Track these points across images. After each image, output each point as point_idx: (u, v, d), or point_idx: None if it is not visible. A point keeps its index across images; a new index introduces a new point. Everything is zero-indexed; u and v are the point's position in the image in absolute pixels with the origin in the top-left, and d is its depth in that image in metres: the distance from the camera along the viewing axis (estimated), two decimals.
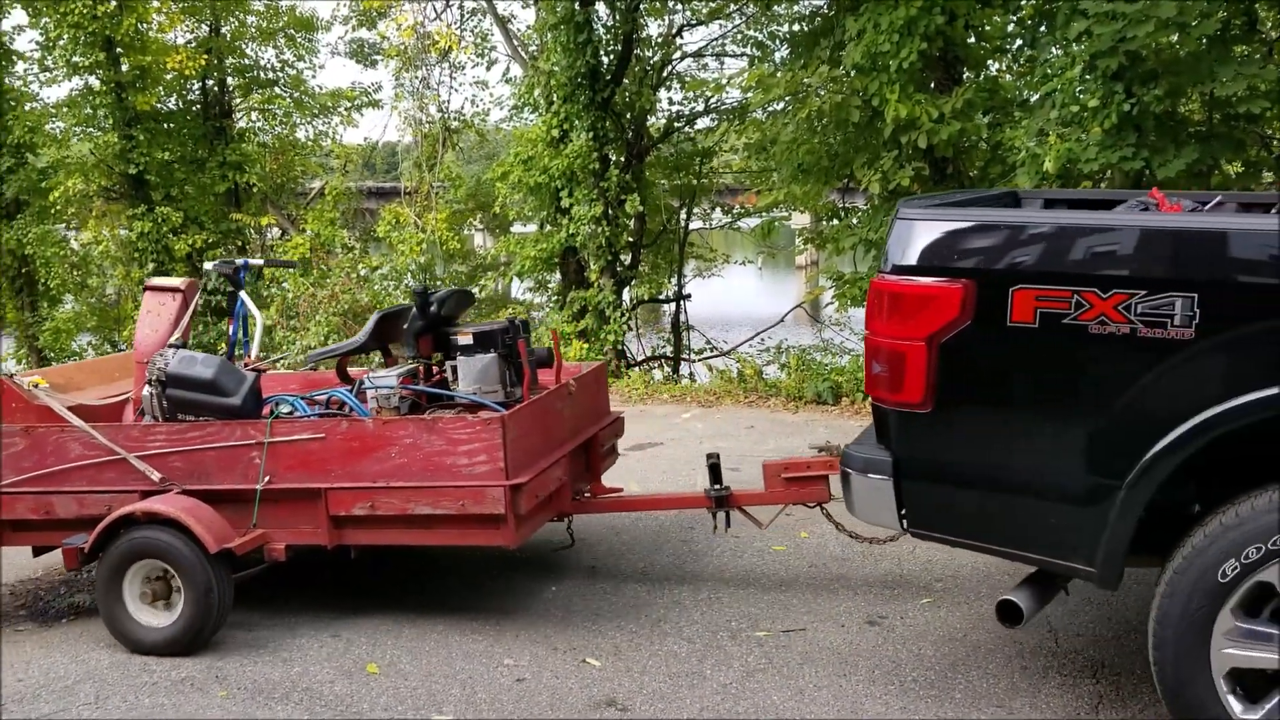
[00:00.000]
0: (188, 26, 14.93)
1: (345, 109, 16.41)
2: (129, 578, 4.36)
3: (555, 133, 11.66)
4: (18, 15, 15.19)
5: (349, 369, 5.22)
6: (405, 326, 4.91)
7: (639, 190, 12.09)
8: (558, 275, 13.19)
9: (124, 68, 13.71)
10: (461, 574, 5.13)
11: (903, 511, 3.40)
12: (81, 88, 14.49)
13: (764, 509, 4.75)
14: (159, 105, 14.44)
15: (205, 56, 14.26)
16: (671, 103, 13.70)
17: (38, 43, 14.40)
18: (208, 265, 5.70)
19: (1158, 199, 3.79)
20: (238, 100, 16.06)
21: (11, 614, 4.89)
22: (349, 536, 4.38)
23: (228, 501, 4.39)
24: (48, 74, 14.80)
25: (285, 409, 4.68)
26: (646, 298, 13.56)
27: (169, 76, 14.27)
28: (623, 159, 12.44)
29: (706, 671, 3.95)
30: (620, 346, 12.18)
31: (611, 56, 12.12)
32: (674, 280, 14.35)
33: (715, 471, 4.72)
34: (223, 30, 15.28)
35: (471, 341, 4.71)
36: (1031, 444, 3.17)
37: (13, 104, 14.34)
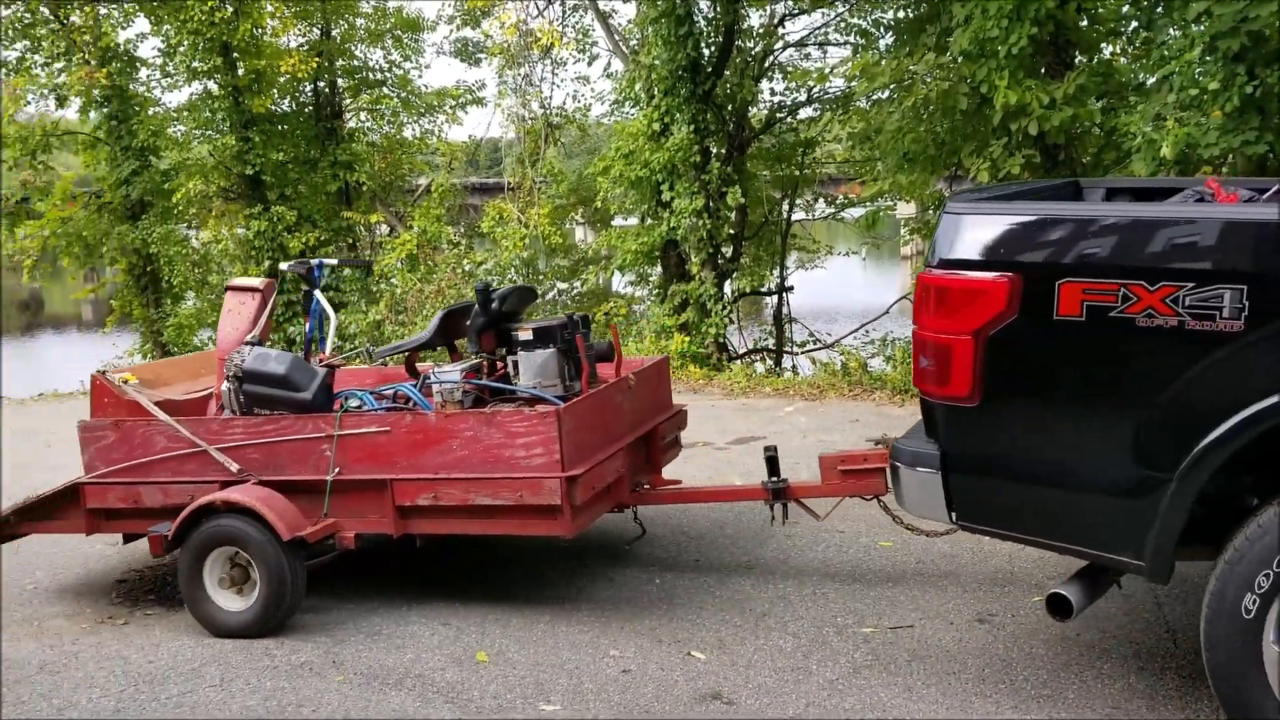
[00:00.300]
0: (300, 30, 15.39)
1: (450, 107, 16.72)
2: (209, 564, 4.55)
3: (656, 126, 11.69)
4: (141, 23, 15.86)
5: (417, 364, 5.34)
6: (468, 323, 5.03)
7: (740, 182, 12.05)
8: (659, 269, 13.23)
9: (240, 72, 14.19)
10: (565, 565, 5.19)
11: (951, 505, 3.42)
12: (201, 92, 15.08)
13: (821, 502, 4.75)
14: (273, 108, 14.92)
15: (316, 59, 14.68)
16: (773, 93, 13.61)
17: (160, 49, 15.01)
18: (283, 266, 5.91)
19: (1213, 188, 3.73)
20: (347, 101, 16.50)
21: (141, 598, 5.12)
22: (414, 526, 4.51)
23: (301, 492, 4.56)
24: (169, 80, 15.42)
25: (354, 403, 4.83)
26: (748, 290, 13.51)
27: (282, 79, 14.73)
28: (724, 151, 12.41)
29: (812, 667, 3.93)
30: (721, 339, 12.16)
31: (712, 49, 12.10)
32: (776, 272, 14.26)
33: (773, 464, 4.75)
34: (333, 33, 15.70)
35: (531, 337, 4.79)
36: (1079, 437, 3.16)
37: (137, 109, 14.97)
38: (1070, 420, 3.19)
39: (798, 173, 13.96)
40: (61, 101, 15.06)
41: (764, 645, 4.14)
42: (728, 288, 12.64)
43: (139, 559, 5.62)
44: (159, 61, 15.20)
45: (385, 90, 16.63)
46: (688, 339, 11.50)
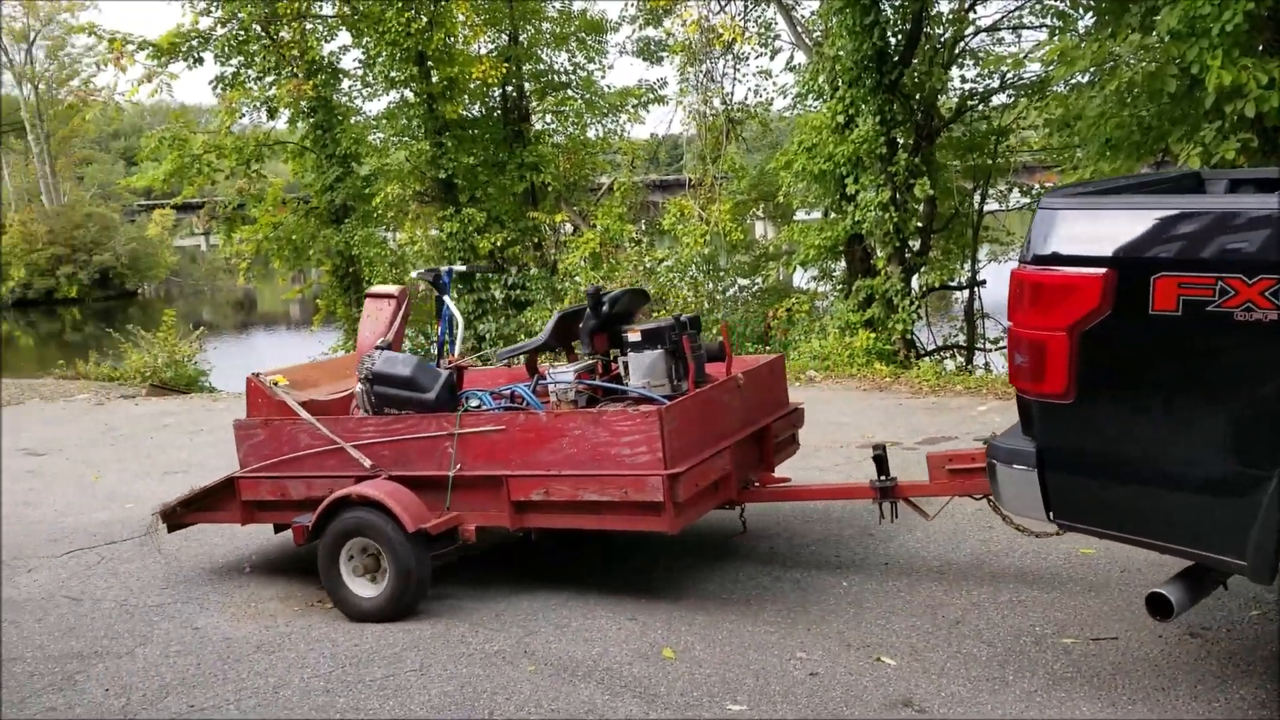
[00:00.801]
0: (489, 37, 15.88)
1: (632, 106, 16.92)
2: (345, 553, 4.84)
3: (840, 118, 11.49)
4: (343, 37, 16.70)
5: (538, 365, 5.47)
6: (581, 325, 5.17)
7: (929, 173, 11.70)
8: (842, 263, 12.99)
9: (434, 79, 14.76)
10: (751, 566, 5.16)
11: (1048, 503, 3.40)
12: (398, 101, 15.77)
13: (930, 501, 4.73)
14: (464, 113, 15.46)
15: (505, 64, 15.12)
16: (964, 80, 13.16)
17: (360, 61, 15.79)
18: (412, 274, 6.06)
19: None
20: (534, 104, 16.92)
21: None
22: (528, 520, 4.69)
23: (428, 487, 4.77)
24: (369, 89, 16.21)
25: (474, 403, 5.02)
26: (937, 285, 13.11)
27: (473, 85, 15.23)
28: (911, 141, 12.08)
29: (1009, 677, 3.78)
30: (909, 336, 11.86)
31: (899, 37, 11.79)
32: (967, 266, 13.78)
33: (881, 463, 4.75)
34: (520, 38, 16.13)
35: (640, 339, 4.87)
36: (1177, 434, 3.12)
37: (340, 118, 15.79)
38: (1168, 417, 3.14)
39: (990, 162, 13.45)
40: (272, 113, 16.05)
41: (957, 653, 4.01)
42: (915, 282, 12.30)
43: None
44: (359, 72, 16.00)
45: (570, 92, 16.97)
46: (873, 335, 11.26)
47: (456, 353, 5.87)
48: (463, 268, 6.62)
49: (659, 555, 5.39)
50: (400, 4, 14.05)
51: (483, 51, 15.59)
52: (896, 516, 4.81)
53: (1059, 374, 3.24)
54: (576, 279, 13.41)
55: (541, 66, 16.65)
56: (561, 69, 16.82)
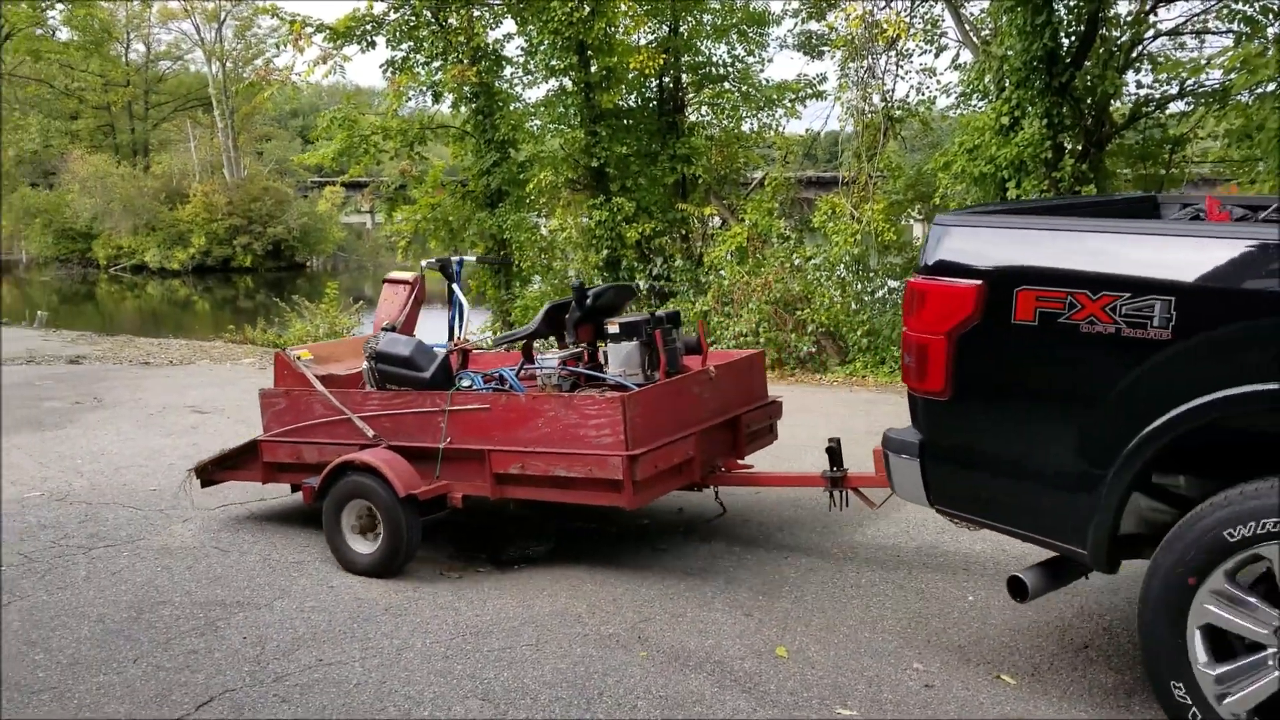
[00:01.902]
0: (649, 28, 15.95)
1: (789, 101, 16.73)
2: (345, 513, 5.28)
3: (1005, 120, 11.11)
4: (507, 25, 17.06)
5: (533, 351, 5.81)
6: (567, 316, 5.57)
7: (1096, 181, 11.21)
8: None
9: (592, 69, 14.93)
10: (878, 571, 5.07)
11: (928, 490, 3.75)
12: (556, 89, 16.00)
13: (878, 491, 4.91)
14: (620, 103, 15.57)
15: (664, 55, 15.16)
16: (1139, 86, 12.52)
17: (522, 49, 16.09)
18: (423, 263, 6.53)
19: (1209, 206, 3.90)
20: (690, 95, 16.92)
21: (475, 556, 5.54)
22: (507, 491, 5.09)
23: (422, 458, 5.21)
24: (529, 77, 16.47)
25: (465, 383, 5.43)
26: None
27: (631, 76, 15.33)
28: (1079, 147, 11.59)
29: (1134, 707, 3.61)
30: None
31: (1072, 38, 11.32)
32: None
33: (833, 455, 5.08)
34: (681, 29, 16.15)
35: (618, 331, 5.27)
36: (1033, 432, 3.44)
37: (500, 105, 16.14)
38: (1026, 416, 3.49)
39: (1164, 172, 12.78)
40: (437, 97, 16.50)
41: (1082, 678, 3.85)
42: None
43: (472, 520, 6.08)
44: (521, 60, 16.29)
45: (727, 85, 16.90)
46: None
47: (460, 336, 6.27)
48: (473, 258, 7.04)
49: (782, 556, 5.36)
50: None
51: (642, 42, 15.67)
52: (847, 505, 5.16)
53: (938, 374, 3.61)
54: (721, 272, 13.38)
55: (700, 58, 16.62)
56: (720, 61, 16.75)
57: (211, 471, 6.13)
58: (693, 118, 16.90)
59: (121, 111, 51.49)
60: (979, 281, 3.50)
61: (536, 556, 5.47)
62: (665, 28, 16.10)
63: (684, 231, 16.01)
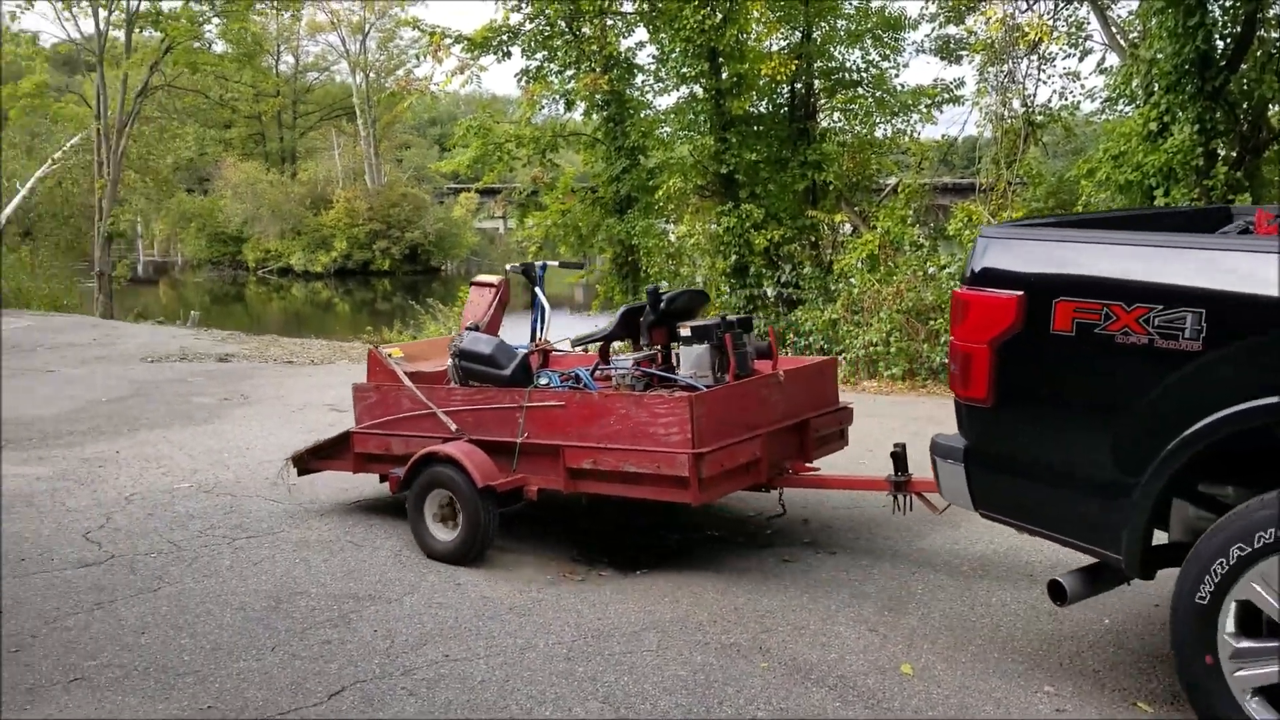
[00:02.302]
0: (781, 34, 15.87)
1: (925, 106, 16.41)
2: (428, 502, 5.52)
3: (1153, 126, 10.67)
4: (639, 33, 17.21)
5: (610, 353, 6.12)
6: (641, 319, 5.81)
7: (1252, 189, 10.66)
8: None
9: (723, 76, 14.93)
10: (1010, 590, 4.92)
11: (973, 495, 3.86)
12: (687, 96, 16.07)
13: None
14: (751, 109, 15.52)
15: (796, 61, 15.06)
16: None
17: (654, 57, 16.21)
18: (507, 267, 6.81)
19: (1258, 219, 3.92)
20: (822, 101, 16.76)
21: (597, 558, 5.58)
22: (580, 486, 5.26)
23: (501, 452, 5.41)
24: (660, 84, 16.58)
25: (543, 381, 5.66)
26: None
27: (762, 82, 15.27)
28: (1233, 154, 11.05)
29: None
30: None
31: (1228, 40, 10.80)
32: None
33: (898, 460, 5.15)
34: (813, 35, 16.02)
35: (690, 334, 5.43)
36: (1071, 439, 3.52)
37: (631, 112, 16.28)
38: (1064, 424, 3.58)
39: None
40: (569, 105, 16.78)
41: None
42: None
43: (603, 519, 6.13)
44: (652, 68, 16.42)
45: (860, 90, 16.68)
46: None
47: (542, 337, 6.56)
48: (555, 263, 7.26)
49: (909, 571, 5.24)
50: (697, 1, 14.30)
51: (774, 48, 15.59)
52: (911, 509, 5.21)
53: (981, 381, 3.71)
54: (851, 280, 13.19)
55: (833, 64, 16.46)
56: (853, 66, 16.56)
57: (307, 460, 6.44)
58: (824, 123, 16.74)
59: (271, 121, 53.86)
60: (1020, 292, 3.60)
61: (669, 553, 5.48)
62: (798, 34, 15.99)
63: (813, 239, 15.85)
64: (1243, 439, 3.12)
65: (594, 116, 16.89)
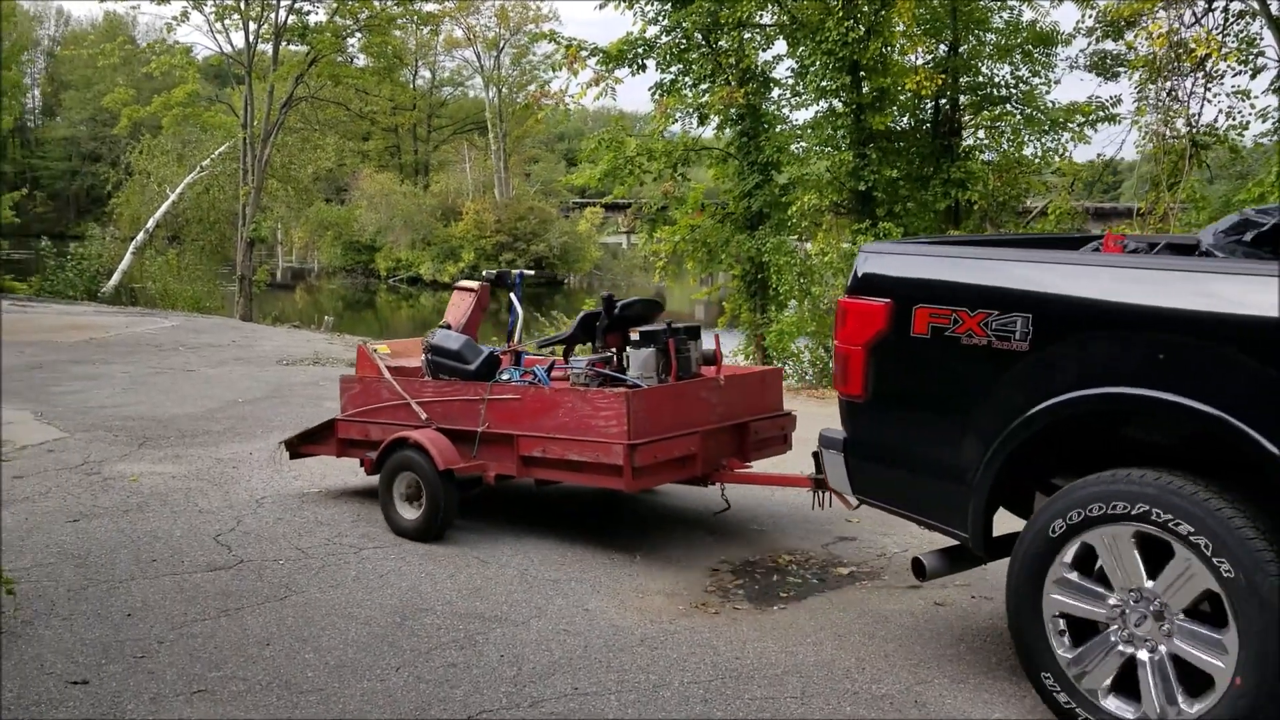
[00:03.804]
0: (927, 48, 15.34)
1: (1078, 124, 15.63)
2: (396, 482, 6.02)
3: None
4: (778, 46, 16.90)
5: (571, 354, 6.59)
6: (598, 324, 6.25)
7: None
8: None
9: (864, 90, 14.49)
10: None
11: (852, 482, 4.33)
12: (826, 110, 15.65)
13: None
14: (892, 125, 15.04)
15: (941, 76, 14.52)
16: None
17: (792, 70, 15.85)
18: (483, 273, 7.37)
19: (1105, 241, 4.32)
20: (967, 117, 16.15)
21: (731, 590, 5.27)
22: (531, 472, 5.80)
23: (465, 440, 5.93)
24: (797, 99, 16.21)
25: (504, 377, 6.15)
26: None
27: (904, 97, 14.79)
28: None
29: None
30: None
31: None
32: None
33: (818, 460, 5.15)
34: (961, 49, 15.44)
35: (638, 338, 5.87)
36: (927, 431, 3.98)
37: (766, 127, 15.95)
38: (922, 417, 4.05)
39: None
40: (703, 119, 16.53)
41: None
42: None
43: (732, 548, 5.82)
44: (790, 81, 16.06)
45: (1009, 107, 16.00)
46: None
47: (515, 339, 7.05)
48: (531, 272, 8.09)
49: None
50: (840, 13, 13.91)
51: (918, 62, 15.07)
52: (831, 505, 5.48)
53: (857, 380, 4.16)
54: None
55: (980, 79, 15.82)
56: (1002, 82, 15.89)
57: (297, 445, 6.95)
58: (969, 141, 16.13)
59: (407, 134, 55.28)
60: (888, 300, 4.06)
61: (799, 595, 5.13)
62: (944, 48, 15.45)
63: None
64: (1069, 428, 3.63)
65: (727, 131, 16.60)
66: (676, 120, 16.97)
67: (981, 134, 16.43)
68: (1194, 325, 3.28)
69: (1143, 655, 3.40)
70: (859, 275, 4.26)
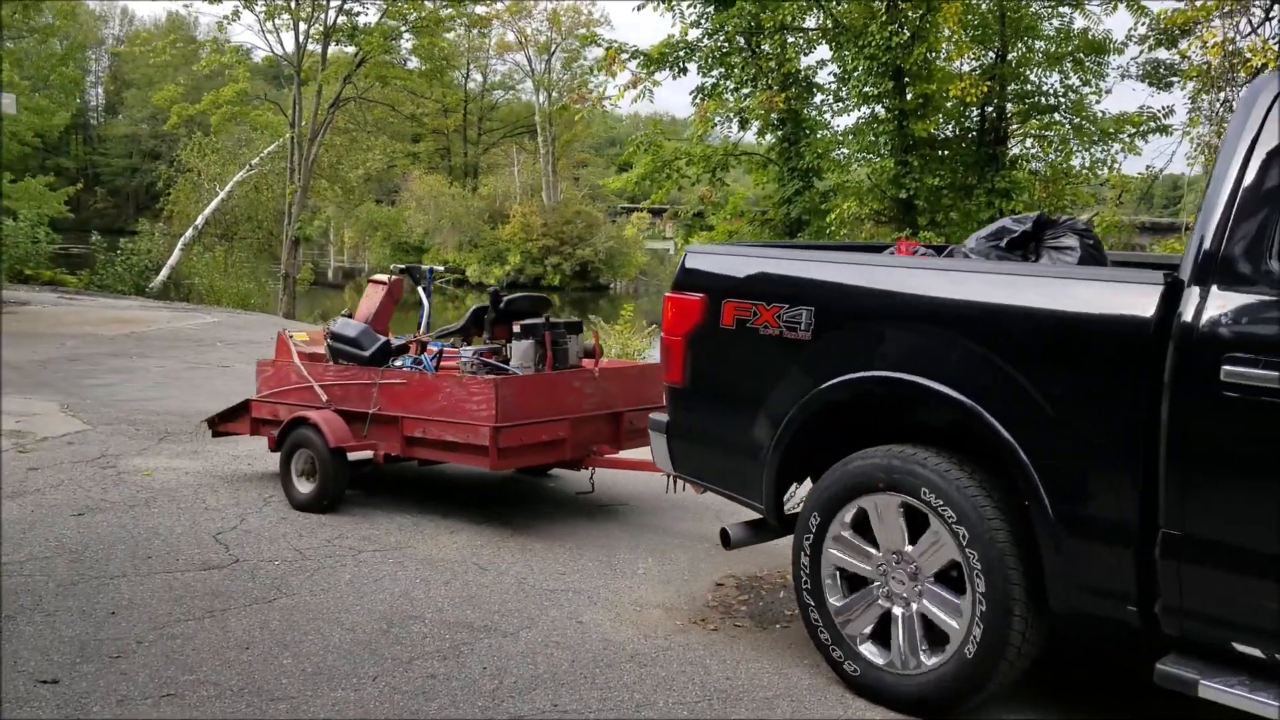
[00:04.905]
0: (974, 54, 15.03)
1: (1128, 135, 15.21)
2: (294, 459, 6.45)
3: None
4: (821, 51, 16.66)
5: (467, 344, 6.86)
6: (486, 318, 6.72)
7: None
8: None
9: (908, 96, 14.23)
10: None
11: (673, 461, 4.71)
12: (868, 116, 15.40)
13: None
14: (935, 132, 14.75)
15: (988, 83, 14.22)
16: None
17: (834, 75, 15.62)
18: (393, 266, 7.81)
19: (898, 246, 4.79)
20: (1014, 126, 15.80)
21: (734, 606, 5.09)
22: (413, 451, 6.25)
23: (359, 420, 6.37)
24: (839, 104, 15.98)
25: (397, 363, 6.52)
26: None
27: (949, 104, 14.49)
28: None
29: None
30: None
31: None
32: None
33: None
34: (1009, 57, 15.11)
35: (520, 331, 6.32)
36: (734, 413, 4.39)
37: (807, 132, 15.73)
38: (730, 401, 4.43)
39: None
40: (743, 124, 16.35)
41: None
42: None
43: (740, 564, 5.64)
44: (832, 86, 15.83)
45: (1057, 116, 15.63)
46: None
47: (421, 330, 7.34)
48: (441, 268, 8.75)
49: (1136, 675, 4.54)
50: (884, 17, 13.66)
51: (964, 69, 14.76)
52: (684, 489, 5.41)
53: (677, 368, 4.55)
54: None
55: (1028, 87, 15.47)
56: (1051, 90, 15.52)
57: (217, 423, 7.43)
58: (1015, 150, 15.79)
59: (456, 136, 55.58)
60: (703, 295, 4.46)
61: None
62: (991, 55, 15.13)
63: None
64: (850, 410, 4.06)
65: (768, 136, 16.40)
66: (717, 124, 16.80)
67: (1029, 143, 16.07)
68: (940, 318, 3.74)
69: (897, 611, 3.86)
70: (682, 272, 4.65)
